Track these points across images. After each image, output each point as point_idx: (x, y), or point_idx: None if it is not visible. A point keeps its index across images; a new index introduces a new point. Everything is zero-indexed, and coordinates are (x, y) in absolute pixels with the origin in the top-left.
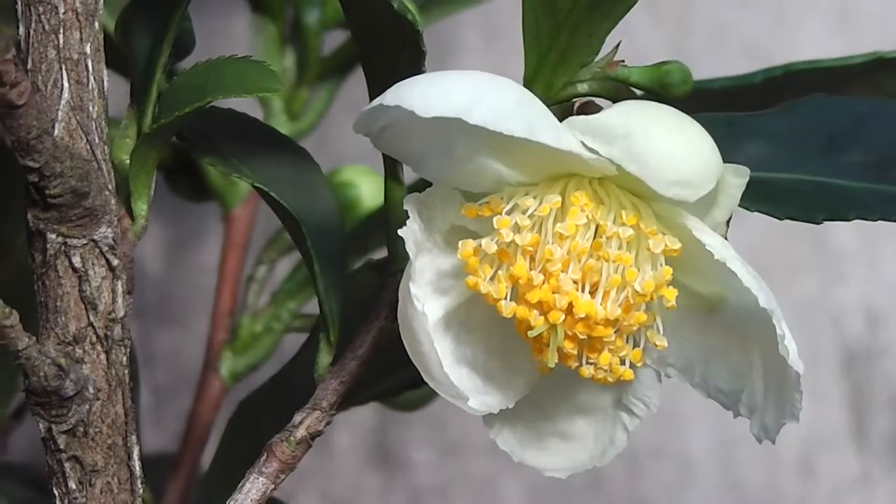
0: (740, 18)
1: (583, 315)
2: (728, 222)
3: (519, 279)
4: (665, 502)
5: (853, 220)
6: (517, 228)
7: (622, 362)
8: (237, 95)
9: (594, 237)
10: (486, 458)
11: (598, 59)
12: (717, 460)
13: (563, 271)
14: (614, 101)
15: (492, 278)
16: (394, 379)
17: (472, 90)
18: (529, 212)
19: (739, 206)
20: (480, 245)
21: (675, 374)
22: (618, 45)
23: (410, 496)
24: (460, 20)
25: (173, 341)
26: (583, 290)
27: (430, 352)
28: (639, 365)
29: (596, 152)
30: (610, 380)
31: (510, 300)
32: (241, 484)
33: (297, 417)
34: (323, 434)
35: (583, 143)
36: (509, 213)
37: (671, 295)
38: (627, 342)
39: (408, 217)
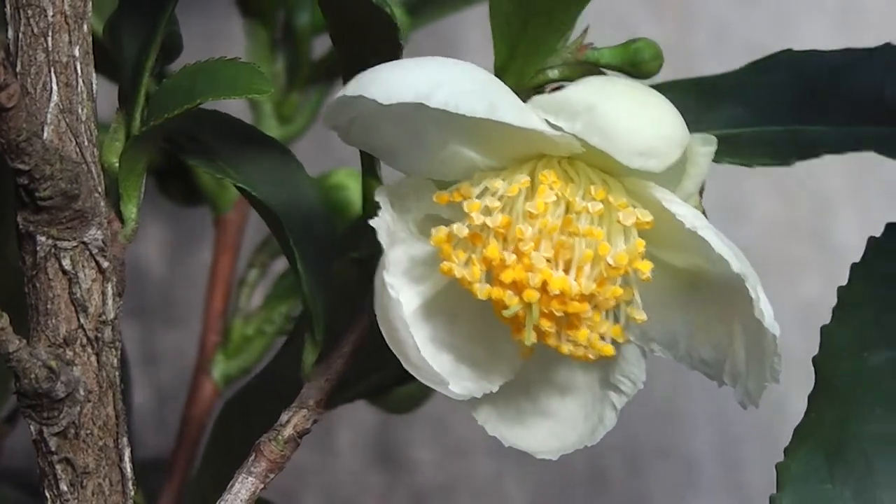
0: (742, 17)
1: (557, 292)
2: (701, 193)
3: (492, 261)
4: (668, 502)
5: (822, 155)
6: (487, 211)
7: (602, 338)
8: (227, 97)
9: (565, 214)
10: (490, 458)
11: (568, 43)
12: (720, 460)
13: (535, 250)
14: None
15: (466, 263)
16: (381, 375)
17: (432, 75)
18: (499, 193)
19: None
20: (452, 230)
21: (659, 349)
22: (586, 28)
23: (413, 496)
24: (462, 19)
25: (175, 342)
26: (556, 268)
27: (406, 338)
28: (620, 341)
29: (560, 129)
30: (591, 356)
31: (485, 283)
32: (230, 484)
33: (284, 416)
34: (320, 433)
35: (546, 120)
36: (480, 196)
37: (646, 267)
38: (606, 318)
39: (379, 208)
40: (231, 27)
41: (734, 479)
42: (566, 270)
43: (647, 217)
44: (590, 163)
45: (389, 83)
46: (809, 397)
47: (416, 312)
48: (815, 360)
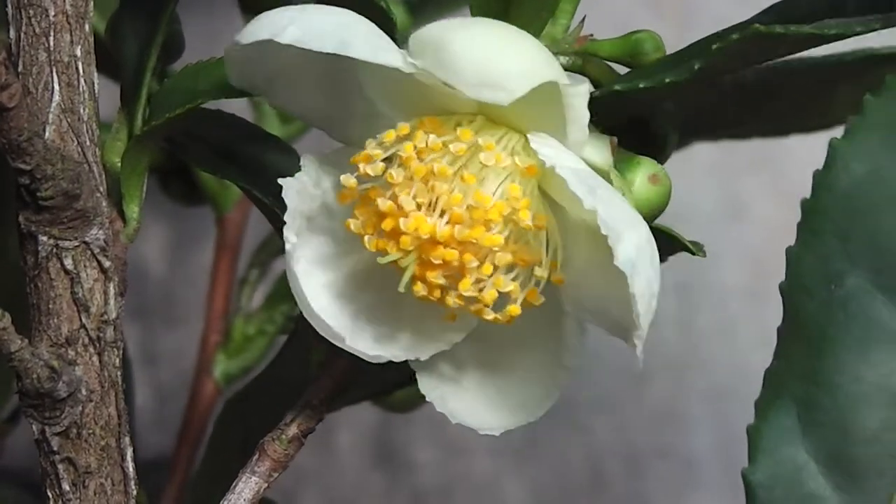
0: (742, 17)
1: (426, 236)
2: (615, 148)
3: (379, 211)
4: (668, 503)
5: None
6: (370, 159)
7: (512, 298)
8: (227, 97)
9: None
10: (489, 459)
11: (567, 34)
12: (719, 461)
13: (407, 195)
14: (584, 76)
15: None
16: (385, 377)
17: (293, 17)
18: (381, 142)
19: None
20: (341, 181)
21: (590, 317)
22: (583, 19)
23: (413, 496)
24: None
25: (176, 341)
26: (432, 214)
27: (298, 290)
28: (537, 304)
29: (415, 66)
30: (501, 318)
31: (375, 235)
32: (234, 484)
33: (289, 416)
34: (320, 433)
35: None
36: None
37: (525, 216)
38: (513, 278)
39: (300, 170)
40: (232, 27)
41: (734, 479)
42: (443, 217)
43: (525, 163)
44: (494, 120)
45: (252, 26)
46: (778, 331)
47: (350, 281)
48: (781, 288)
